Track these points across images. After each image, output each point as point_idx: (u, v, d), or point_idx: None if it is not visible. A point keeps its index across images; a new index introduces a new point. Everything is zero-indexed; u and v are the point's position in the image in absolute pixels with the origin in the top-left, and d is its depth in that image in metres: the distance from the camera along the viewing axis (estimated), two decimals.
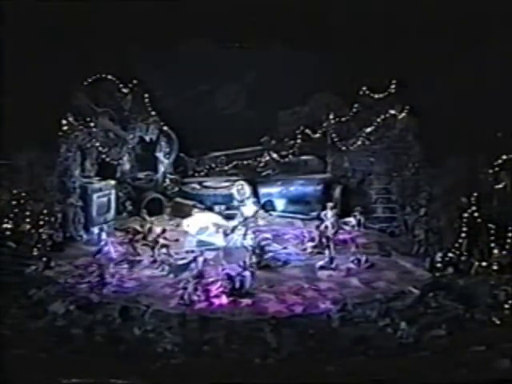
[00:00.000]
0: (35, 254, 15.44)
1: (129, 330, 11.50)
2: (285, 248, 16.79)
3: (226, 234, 17.05)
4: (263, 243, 15.98)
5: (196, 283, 13.19)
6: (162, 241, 15.97)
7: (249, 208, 19.22)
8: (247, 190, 19.94)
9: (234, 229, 17.23)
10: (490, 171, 14.96)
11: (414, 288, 13.32)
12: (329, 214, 17.13)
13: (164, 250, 15.66)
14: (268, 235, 17.36)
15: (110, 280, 14.31)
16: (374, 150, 19.12)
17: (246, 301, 12.94)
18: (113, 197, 19.16)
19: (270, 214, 20.41)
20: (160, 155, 21.71)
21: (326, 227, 16.57)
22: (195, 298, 12.96)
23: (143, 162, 21.48)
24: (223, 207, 20.21)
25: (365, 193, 19.37)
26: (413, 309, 12.37)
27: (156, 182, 21.56)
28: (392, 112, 18.77)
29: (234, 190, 20.30)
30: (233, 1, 19.37)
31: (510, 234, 14.21)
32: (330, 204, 17.69)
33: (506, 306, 12.08)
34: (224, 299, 13.00)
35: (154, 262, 15.51)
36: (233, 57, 20.78)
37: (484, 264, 14.05)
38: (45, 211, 16.30)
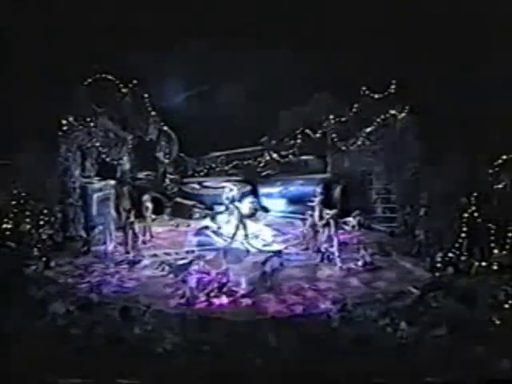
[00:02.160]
0: (35, 254, 15.43)
1: (129, 330, 11.50)
2: (285, 248, 16.83)
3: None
4: None
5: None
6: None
7: (245, 207, 18.84)
8: (235, 193, 19.62)
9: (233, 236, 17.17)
10: (490, 171, 14.96)
11: (414, 288, 13.30)
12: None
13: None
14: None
15: (110, 280, 14.33)
16: (374, 150, 19.09)
17: (246, 301, 12.95)
18: (113, 197, 19.15)
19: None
20: (160, 155, 21.72)
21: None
22: (196, 294, 12.95)
23: (143, 161, 21.48)
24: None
25: (365, 193, 19.36)
26: (413, 309, 12.35)
27: (156, 182, 21.55)
28: (392, 112, 18.76)
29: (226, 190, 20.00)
30: (233, 1, 19.39)
31: (510, 234, 14.21)
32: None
33: (506, 306, 12.08)
34: (224, 299, 13.01)
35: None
36: (233, 57, 20.80)
37: (484, 264, 14.04)
38: (45, 211, 16.32)
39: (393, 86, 19.51)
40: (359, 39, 18.72)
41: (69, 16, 17.94)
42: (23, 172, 16.40)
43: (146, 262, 15.67)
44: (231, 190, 19.21)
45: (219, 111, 21.51)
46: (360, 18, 18.72)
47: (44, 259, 14.97)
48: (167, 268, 15.02)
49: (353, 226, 18.26)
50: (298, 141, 21.80)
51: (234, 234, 16.86)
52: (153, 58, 20.13)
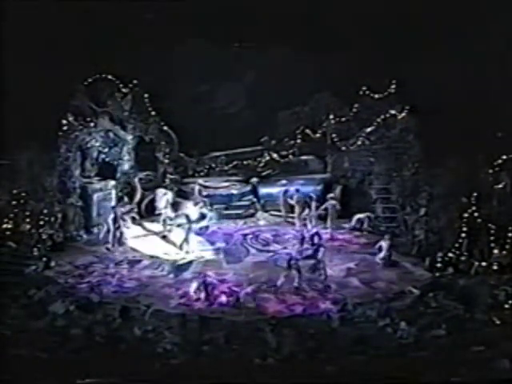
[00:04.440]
0: (35, 254, 15.43)
1: (129, 330, 11.50)
2: (285, 248, 16.85)
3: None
4: None
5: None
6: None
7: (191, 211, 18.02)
8: (170, 197, 19.09)
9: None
10: (490, 171, 14.96)
11: (414, 288, 13.31)
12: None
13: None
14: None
15: (110, 280, 14.33)
16: (374, 150, 19.09)
17: (246, 301, 12.95)
18: (113, 197, 19.14)
19: (271, 214, 20.40)
20: (160, 155, 21.71)
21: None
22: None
23: (143, 161, 21.46)
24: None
25: (365, 193, 19.35)
26: (413, 309, 12.36)
27: (156, 182, 21.52)
28: (392, 112, 18.78)
29: (157, 197, 19.34)
30: (233, 1, 19.39)
31: (510, 234, 14.20)
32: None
33: (506, 306, 12.08)
34: (224, 299, 13.01)
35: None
36: (233, 57, 20.81)
37: (484, 264, 14.04)
38: (45, 211, 16.33)
39: (393, 86, 19.56)
40: (359, 39, 18.72)
41: (69, 16, 17.93)
42: (23, 172, 16.42)
43: (145, 262, 15.66)
44: (165, 194, 18.88)
45: (219, 111, 21.53)
46: (360, 18, 18.71)
47: (44, 259, 14.96)
48: (167, 268, 15.03)
49: (361, 222, 18.18)
50: (298, 141, 21.82)
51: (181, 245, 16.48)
52: (153, 58, 20.15)
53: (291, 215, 19.27)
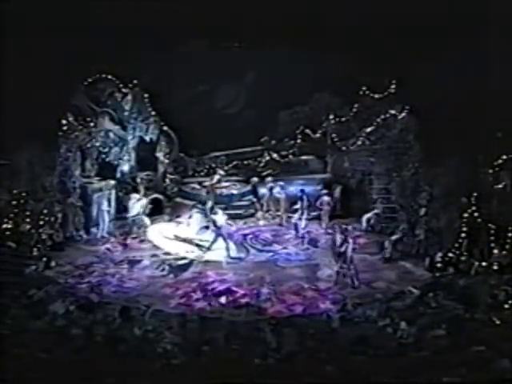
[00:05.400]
0: (35, 254, 15.43)
1: (129, 330, 11.50)
2: (285, 248, 16.85)
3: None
4: None
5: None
6: None
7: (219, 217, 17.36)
8: (144, 203, 18.73)
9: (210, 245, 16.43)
10: (490, 171, 14.96)
11: (414, 288, 13.31)
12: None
13: None
14: None
15: (110, 280, 14.33)
16: (374, 150, 19.06)
17: (246, 301, 12.96)
18: (113, 197, 19.14)
19: (270, 214, 20.39)
20: (160, 155, 21.69)
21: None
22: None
23: (143, 161, 21.45)
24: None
25: (365, 193, 19.35)
26: (413, 309, 12.36)
27: (156, 182, 21.52)
28: (392, 112, 18.77)
29: (130, 203, 18.69)
30: (233, 1, 19.39)
31: (510, 234, 14.20)
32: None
33: (506, 306, 12.08)
34: (224, 299, 13.01)
35: None
36: (233, 57, 20.81)
37: (484, 264, 14.04)
38: (45, 211, 16.32)
39: (393, 86, 19.56)
40: (359, 39, 18.72)
41: (69, 16, 17.93)
42: (23, 172, 16.41)
43: (146, 262, 15.66)
44: (139, 199, 18.55)
45: (219, 111, 21.52)
46: (360, 18, 18.70)
47: (44, 259, 14.96)
48: (167, 268, 15.03)
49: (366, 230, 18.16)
50: (298, 141, 21.81)
51: None
52: (153, 58, 20.14)
53: (278, 213, 19.54)
